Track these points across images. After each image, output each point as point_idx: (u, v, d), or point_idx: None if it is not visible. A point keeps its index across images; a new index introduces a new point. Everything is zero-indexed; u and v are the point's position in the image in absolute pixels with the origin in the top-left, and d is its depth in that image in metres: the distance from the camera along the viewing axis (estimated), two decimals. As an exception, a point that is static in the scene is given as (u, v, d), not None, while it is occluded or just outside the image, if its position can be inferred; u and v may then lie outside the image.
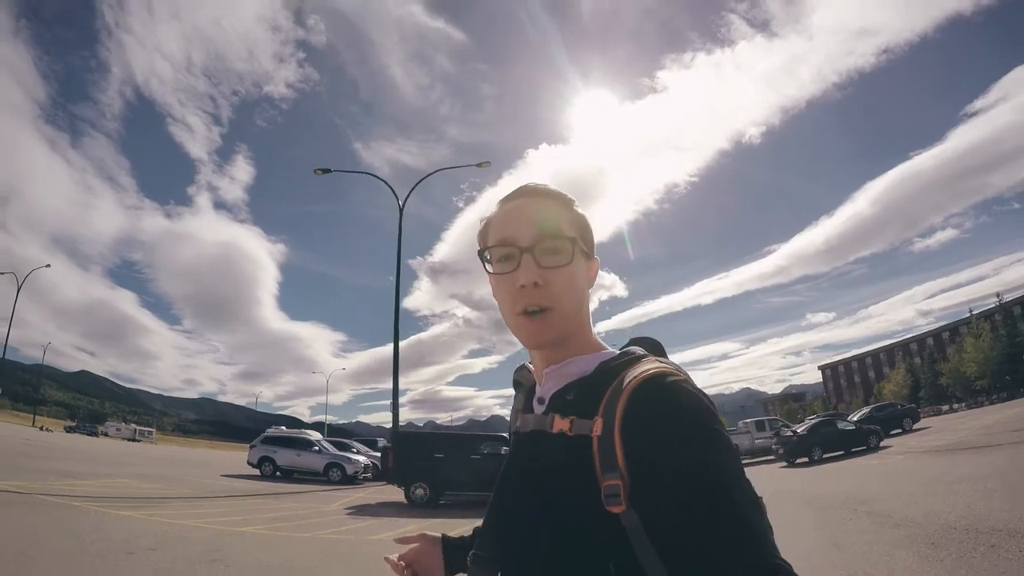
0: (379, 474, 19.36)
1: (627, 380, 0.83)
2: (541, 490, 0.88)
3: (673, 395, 0.80)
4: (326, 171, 27.40)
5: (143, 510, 10.37)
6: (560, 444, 0.86)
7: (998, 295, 64.44)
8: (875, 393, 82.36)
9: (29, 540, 6.96)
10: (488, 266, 0.98)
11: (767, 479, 18.14)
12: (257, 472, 22.81)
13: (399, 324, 24.88)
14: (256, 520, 10.55)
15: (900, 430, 28.38)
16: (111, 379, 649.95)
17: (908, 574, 5.91)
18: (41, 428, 64.79)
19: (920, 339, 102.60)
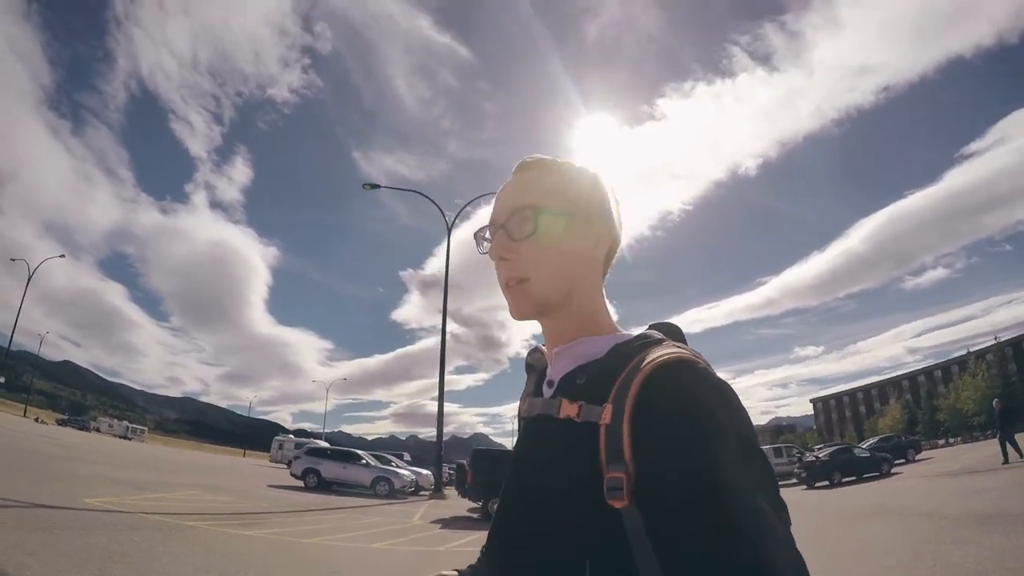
0: (459, 488, 19.87)
1: (641, 365, 0.76)
2: (543, 478, 0.83)
3: (690, 384, 0.73)
4: (374, 187, 27.64)
5: (258, 528, 10.31)
6: (566, 431, 0.81)
7: (996, 337, 67.50)
8: (868, 427, 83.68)
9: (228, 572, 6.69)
10: (481, 247, 0.97)
11: (804, 499, 19.59)
12: (301, 484, 23.38)
13: (445, 348, 25.95)
14: (376, 536, 11.02)
15: (904, 460, 29.79)
16: (94, 371, 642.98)
17: (979, 537, 7.96)
18: (36, 420, 64.56)
19: (912, 376, 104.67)
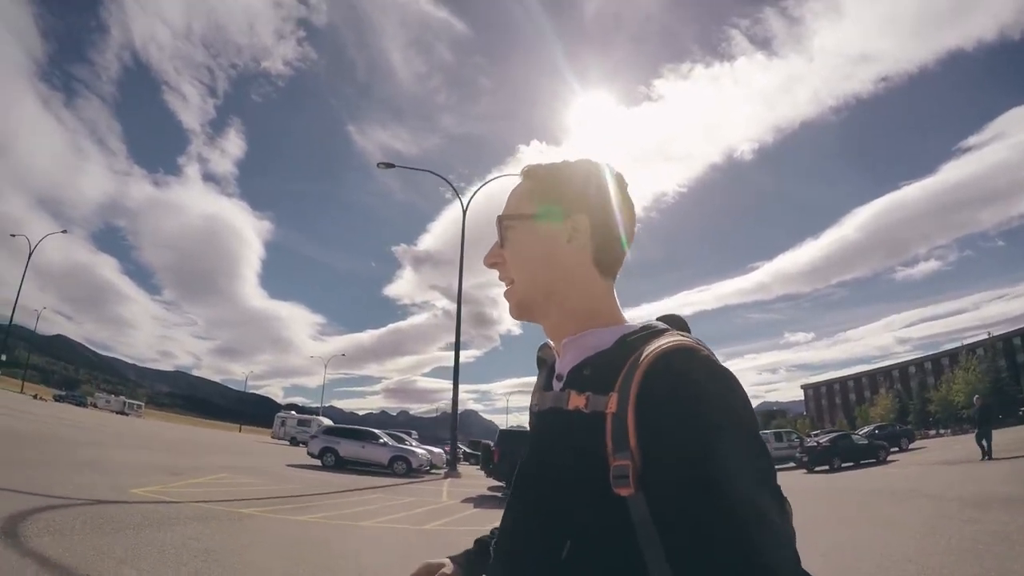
0: (485, 468, 20.00)
1: (645, 354, 0.78)
2: (553, 469, 0.85)
3: (694, 370, 0.75)
4: (389, 166, 27.72)
5: (310, 512, 10.55)
6: (575, 422, 0.83)
7: (988, 332, 69.49)
8: (858, 415, 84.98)
9: (326, 563, 6.78)
10: None
11: (814, 483, 20.41)
12: (318, 463, 23.46)
13: (460, 333, 26.45)
14: (422, 517, 11.39)
15: (897, 448, 30.69)
16: (86, 345, 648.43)
17: (981, 516, 9.22)
18: (35, 396, 64.74)
19: (903, 367, 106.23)
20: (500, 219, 0.98)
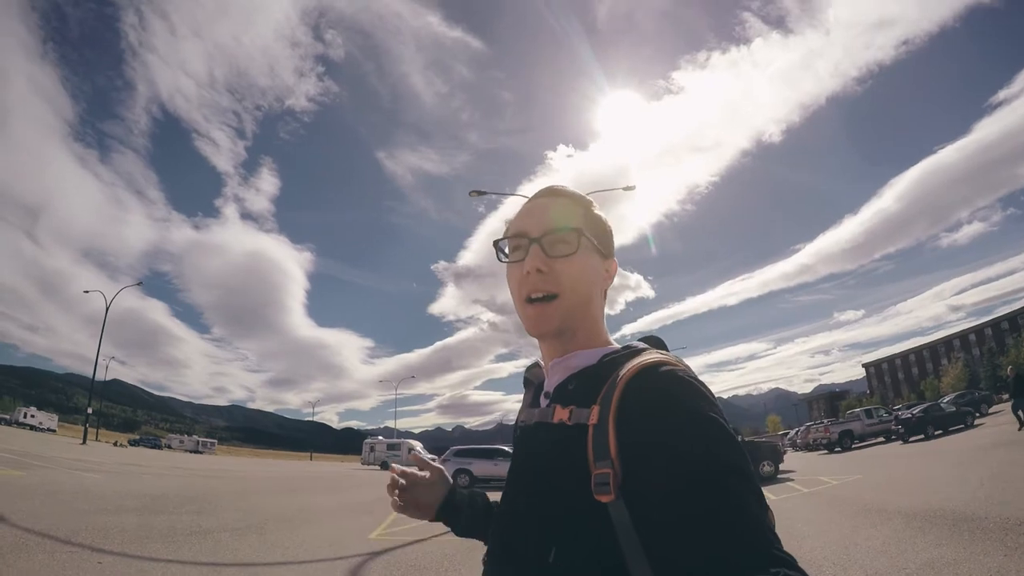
0: None
1: (625, 369, 0.87)
2: (538, 480, 0.92)
3: (669, 383, 0.83)
4: (481, 193, 26.77)
5: None
6: (559, 434, 0.90)
7: None
8: (925, 388, 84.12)
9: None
10: (502, 256, 1.04)
11: (921, 449, 22.04)
12: None
13: None
14: None
15: (978, 414, 31.73)
16: (141, 387, 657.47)
17: None
18: (115, 443, 64.66)
19: (963, 335, 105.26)
20: (578, 231, 0.99)
